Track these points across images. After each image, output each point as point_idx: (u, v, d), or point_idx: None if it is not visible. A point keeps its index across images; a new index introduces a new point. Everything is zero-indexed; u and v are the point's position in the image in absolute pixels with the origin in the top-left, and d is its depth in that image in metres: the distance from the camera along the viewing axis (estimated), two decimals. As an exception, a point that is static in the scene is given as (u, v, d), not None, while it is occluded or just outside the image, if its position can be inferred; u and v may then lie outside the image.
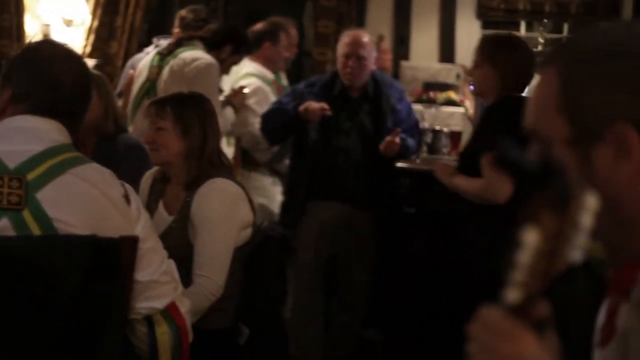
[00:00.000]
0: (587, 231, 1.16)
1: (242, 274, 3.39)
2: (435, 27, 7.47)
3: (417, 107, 5.89)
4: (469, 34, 7.27)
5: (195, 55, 5.04)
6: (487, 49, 4.16)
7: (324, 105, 4.89)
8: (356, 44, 4.99)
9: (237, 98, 5.35)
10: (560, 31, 7.50)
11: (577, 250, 1.17)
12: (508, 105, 4.00)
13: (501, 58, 4.07)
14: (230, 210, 3.33)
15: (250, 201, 3.44)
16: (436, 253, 5.07)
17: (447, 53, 7.44)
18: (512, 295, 1.17)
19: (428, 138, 5.77)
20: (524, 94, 4.12)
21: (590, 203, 1.15)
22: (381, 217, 5.05)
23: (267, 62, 5.78)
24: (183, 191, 3.39)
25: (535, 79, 1.38)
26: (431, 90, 6.82)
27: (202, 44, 5.13)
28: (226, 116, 5.16)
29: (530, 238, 1.14)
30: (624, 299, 1.37)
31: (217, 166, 3.41)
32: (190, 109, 3.40)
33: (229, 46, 5.15)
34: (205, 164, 3.37)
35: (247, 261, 3.41)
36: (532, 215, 1.14)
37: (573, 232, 1.15)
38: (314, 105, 4.90)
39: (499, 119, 3.99)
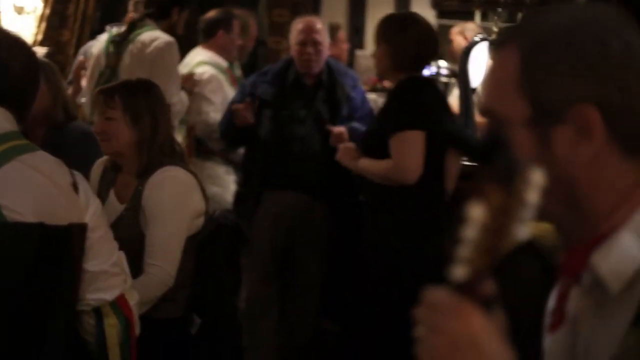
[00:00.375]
0: (533, 207, 1.15)
1: (194, 263, 3.36)
2: (391, 16, 7.47)
3: (371, 96, 5.89)
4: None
5: (153, 35, 4.99)
6: (381, 28, 4.17)
7: (247, 100, 4.87)
8: (311, 30, 4.95)
9: (188, 83, 5.32)
10: (514, 21, 7.54)
11: (523, 227, 1.16)
12: (410, 87, 4.02)
13: (394, 37, 4.09)
14: (182, 199, 3.30)
15: (203, 190, 3.40)
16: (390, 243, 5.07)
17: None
18: (459, 271, 1.15)
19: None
20: (427, 75, 4.13)
21: (536, 179, 1.14)
22: (337, 207, 5.03)
23: (221, 50, 5.73)
24: (134, 180, 3.35)
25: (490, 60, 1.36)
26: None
27: (153, 20, 5.08)
28: (182, 99, 5.12)
29: (477, 213, 1.12)
30: (575, 283, 1.37)
31: (169, 154, 3.37)
32: (139, 98, 3.36)
33: (176, 8, 5.12)
34: (156, 153, 3.32)
35: (199, 250, 3.38)
36: (478, 190, 1.13)
37: (519, 208, 1.14)
38: (238, 106, 4.88)
39: (401, 101, 4.01)
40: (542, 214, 1.29)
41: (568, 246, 1.36)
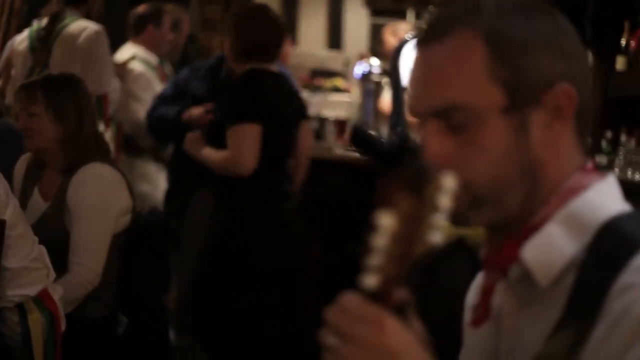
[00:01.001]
0: (445, 212, 1.11)
1: (120, 261, 3.31)
2: (324, 14, 7.46)
3: (304, 94, 5.87)
4: (357, 22, 7.28)
5: (81, 25, 4.89)
6: (229, 20, 4.27)
7: (207, 107, 4.81)
8: None
9: (119, 69, 5.25)
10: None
11: (436, 233, 1.12)
12: (249, 79, 4.10)
13: (237, 28, 4.17)
14: (107, 196, 3.24)
15: (129, 187, 3.35)
16: (328, 242, 5.05)
17: (335, 40, 7.44)
18: (370, 280, 1.12)
19: (314, 125, 5.75)
20: (272, 66, 4.19)
21: (447, 184, 1.11)
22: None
23: (151, 46, 5.66)
24: (59, 177, 3.29)
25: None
26: (318, 77, 6.80)
27: (74, 9, 4.98)
28: (116, 87, 5.04)
29: (386, 221, 1.08)
30: (501, 278, 1.35)
31: (95, 150, 3.30)
32: (63, 93, 3.29)
33: None
34: (81, 149, 3.26)
35: (126, 249, 3.33)
36: (386, 197, 1.09)
37: (431, 214, 1.10)
38: (196, 111, 4.82)
39: (239, 93, 4.08)
40: (496, 208, 1.29)
41: (497, 239, 1.34)
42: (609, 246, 1.24)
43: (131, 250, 3.35)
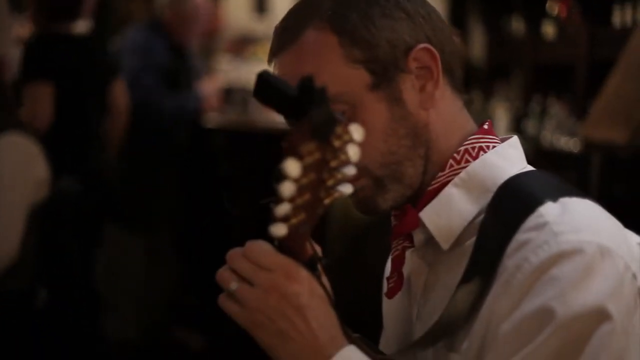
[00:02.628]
0: (353, 163, 1.13)
1: (38, 234, 3.23)
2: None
3: (228, 63, 5.81)
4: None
5: None
6: None
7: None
8: None
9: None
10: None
11: (344, 183, 1.14)
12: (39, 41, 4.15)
13: None
14: (23, 167, 3.17)
15: (45, 157, 3.26)
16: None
17: (261, 4, 7.33)
18: (278, 229, 1.11)
19: (240, 96, 5.66)
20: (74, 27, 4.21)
21: (355, 134, 1.12)
22: (191, 179, 4.95)
23: None
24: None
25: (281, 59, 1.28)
26: (244, 44, 6.68)
27: None
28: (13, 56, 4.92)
29: (291, 170, 1.07)
30: (409, 245, 1.35)
31: (6, 120, 3.19)
32: None
33: None
34: None
35: (44, 220, 3.25)
36: (292, 146, 1.07)
37: (338, 164, 1.11)
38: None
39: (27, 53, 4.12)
40: (392, 175, 1.30)
41: (402, 206, 1.33)
42: (506, 206, 1.25)
43: (50, 222, 3.27)
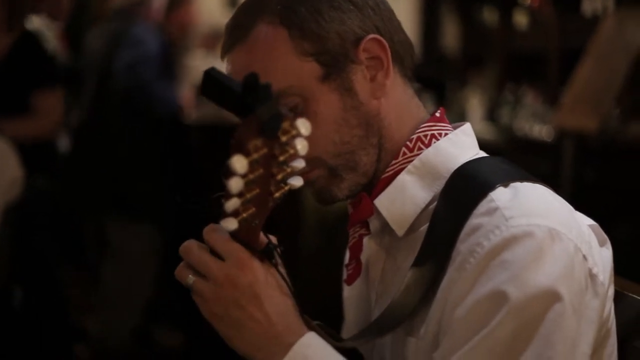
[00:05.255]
0: (302, 157, 1.14)
1: (11, 232, 3.22)
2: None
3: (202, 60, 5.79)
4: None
5: None
6: None
7: None
8: None
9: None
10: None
11: (295, 177, 1.16)
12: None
13: None
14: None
15: (18, 155, 3.25)
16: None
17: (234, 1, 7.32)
18: (228, 223, 1.13)
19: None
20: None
21: (302, 129, 1.13)
22: (170, 176, 4.93)
23: None
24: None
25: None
26: (218, 39, 6.67)
27: None
28: None
29: (238, 165, 1.09)
30: (366, 233, 1.37)
31: None
32: None
33: None
34: None
35: (18, 219, 3.24)
36: (239, 143, 1.09)
37: (286, 158, 1.13)
38: None
39: None
40: (346, 164, 1.31)
41: (358, 194, 1.35)
42: (459, 192, 1.27)
43: (24, 220, 3.27)
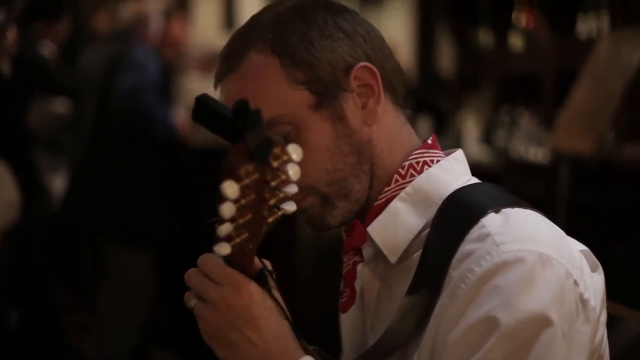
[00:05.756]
0: (294, 182, 1.16)
1: (10, 256, 3.23)
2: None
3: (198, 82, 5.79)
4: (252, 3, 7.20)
5: None
6: None
7: None
8: None
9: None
10: None
11: (288, 201, 1.17)
12: None
13: None
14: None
15: (13, 178, 3.26)
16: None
17: (230, 20, 7.34)
18: (221, 249, 1.15)
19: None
20: None
21: (294, 155, 1.15)
22: (167, 197, 4.94)
23: None
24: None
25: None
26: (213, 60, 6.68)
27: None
28: None
29: (229, 191, 1.10)
30: (360, 260, 1.37)
31: None
32: None
33: None
34: None
35: (14, 242, 3.25)
36: (230, 168, 1.11)
37: (278, 183, 1.15)
38: None
39: None
40: (339, 191, 1.33)
41: (350, 222, 1.36)
42: (450, 218, 1.28)
43: (21, 244, 3.27)
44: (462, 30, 6.14)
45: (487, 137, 5.41)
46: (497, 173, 4.88)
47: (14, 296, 3.27)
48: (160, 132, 4.69)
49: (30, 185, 3.64)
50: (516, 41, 5.31)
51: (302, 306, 4.10)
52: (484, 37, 5.81)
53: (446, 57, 6.41)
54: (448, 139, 5.59)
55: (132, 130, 4.60)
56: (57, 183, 5.26)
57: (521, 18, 5.23)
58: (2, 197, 3.20)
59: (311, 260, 4.00)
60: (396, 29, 6.96)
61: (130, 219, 4.62)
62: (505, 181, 4.72)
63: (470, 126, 5.48)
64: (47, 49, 5.33)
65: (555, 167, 4.22)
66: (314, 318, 2.72)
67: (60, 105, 5.14)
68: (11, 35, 4.26)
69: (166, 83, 5.01)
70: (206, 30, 7.23)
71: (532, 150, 4.80)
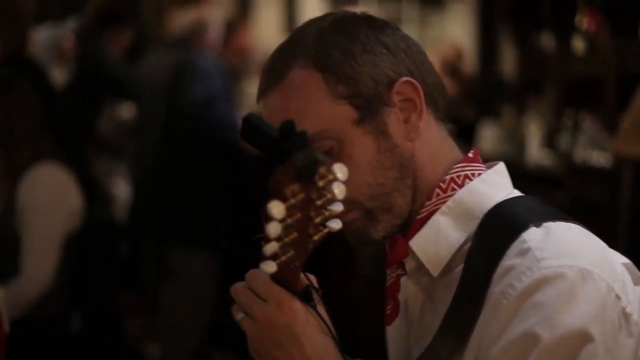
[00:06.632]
0: (340, 200, 1.17)
1: (72, 261, 3.28)
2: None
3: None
4: (313, 6, 7.22)
5: None
6: None
7: None
8: None
9: None
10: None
11: (333, 220, 1.19)
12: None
13: None
14: (57, 197, 3.21)
15: (79, 186, 3.31)
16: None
17: (291, 26, 7.38)
18: (267, 267, 1.17)
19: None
20: None
21: (339, 174, 1.16)
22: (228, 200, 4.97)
23: None
24: (7, 180, 3.24)
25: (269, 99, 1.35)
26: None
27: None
28: None
29: (275, 211, 1.12)
30: (403, 273, 1.39)
31: (40, 149, 3.23)
32: None
33: None
34: (21, 151, 3.20)
35: (78, 247, 3.30)
36: (276, 188, 1.12)
37: (323, 202, 1.16)
38: None
39: None
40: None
41: (393, 235, 1.37)
42: (492, 232, 1.28)
43: (83, 249, 3.32)
44: (524, 34, 6.09)
45: (549, 142, 5.36)
46: (560, 178, 4.84)
47: (76, 300, 3.32)
48: (224, 138, 4.73)
49: (93, 190, 3.69)
50: (578, 44, 5.25)
51: (357, 317, 4.12)
52: (546, 40, 5.76)
53: (508, 61, 6.36)
54: (510, 145, 5.56)
55: (198, 138, 4.64)
56: (120, 187, 5.35)
57: (583, 20, 5.18)
58: (67, 204, 3.25)
59: (368, 272, 4.01)
60: (458, 33, 6.94)
61: (194, 222, 4.66)
62: (567, 186, 4.69)
63: (533, 131, 5.44)
64: (113, 54, 5.44)
65: (618, 171, 4.18)
66: (366, 329, 2.73)
67: (125, 111, 5.22)
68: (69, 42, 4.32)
69: (229, 89, 5.05)
70: (267, 34, 7.27)
71: (595, 154, 4.75)
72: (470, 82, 5.81)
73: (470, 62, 6.12)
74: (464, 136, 4.38)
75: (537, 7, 5.76)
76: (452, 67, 5.64)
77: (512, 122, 5.76)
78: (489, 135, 5.62)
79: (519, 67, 6.24)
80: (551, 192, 4.54)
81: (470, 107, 5.75)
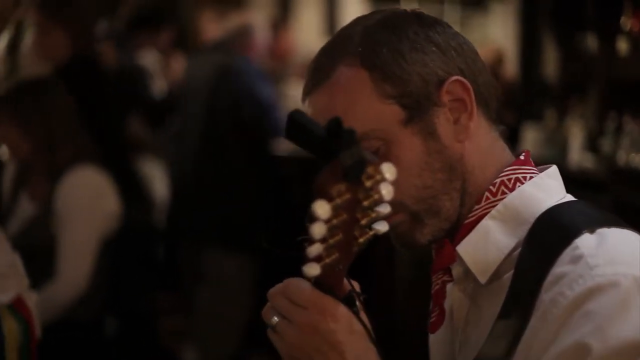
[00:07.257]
0: (387, 201, 1.12)
1: (109, 264, 3.27)
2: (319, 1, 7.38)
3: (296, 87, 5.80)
4: (354, 8, 7.21)
5: None
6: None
7: None
8: None
9: None
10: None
11: (379, 222, 1.14)
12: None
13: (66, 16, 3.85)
14: (93, 200, 3.21)
15: (116, 190, 3.30)
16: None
17: (332, 28, 7.37)
18: (311, 269, 1.12)
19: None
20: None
21: (387, 174, 1.11)
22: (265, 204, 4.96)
23: None
24: (46, 181, 3.24)
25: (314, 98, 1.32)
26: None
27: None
28: None
29: (320, 211, 1.08)
30: (449, 278, 1.35)
31: (79, 152, 3.23)
32: (25, 102, 3.20)
33: None
34: (61, 153, 3.20)
35: (114, 251, 3.29)
36: (322, 188, 1.08)
37: (370, 203, 1.11)
38: None
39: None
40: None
41: (440, 240, 1.33)
42: (543, 238, 1.24)
43: (120, 252, 3.31)
44: (566, 35, 6.01)
45: (592, 145, 5.28)
46: (603, 181, 4.77)
47: (112, 304, 3.31)
48: (263, 140, 4.72)
49: (131, 193, 3.67)
50: (622, 45, 5.17)
51: (398, 324, 4.08)
52: (590, 41, 5.68)
53: (551, 62, 6.29)
54: (552, 148, 5.49)
55: (237, 140, 4.62)
56: (158, 189, 5.34)
57: (628, 22, 5.09)
58: (105, 207, 3.24)
59: (406, 273, 3.96)
60: (500, 35, 6.88)
61: (231, 223, 4.65)
62: (611, 189, 4.62)
63: (576, 133, 5.37)
64: (151, 57, 5.43)
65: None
66: (407, 337, 2.68)
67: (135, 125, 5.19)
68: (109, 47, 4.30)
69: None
70: (308, 37, 7.26)
71: (638, 157, 4.67)
72: (510, 86, 5.76)
73: (511, 65, 6.06)
74: (505, 140, 4.35)
75: (580, 9, 5.68)
76: (492, 71, 5.59)
77: (554, 125, 5.68)
78: (530, 138, 5.55)
79: (562, 69, 6.16)
80: (594, 195, 4.48)
81: (511, 111, 5.70)
